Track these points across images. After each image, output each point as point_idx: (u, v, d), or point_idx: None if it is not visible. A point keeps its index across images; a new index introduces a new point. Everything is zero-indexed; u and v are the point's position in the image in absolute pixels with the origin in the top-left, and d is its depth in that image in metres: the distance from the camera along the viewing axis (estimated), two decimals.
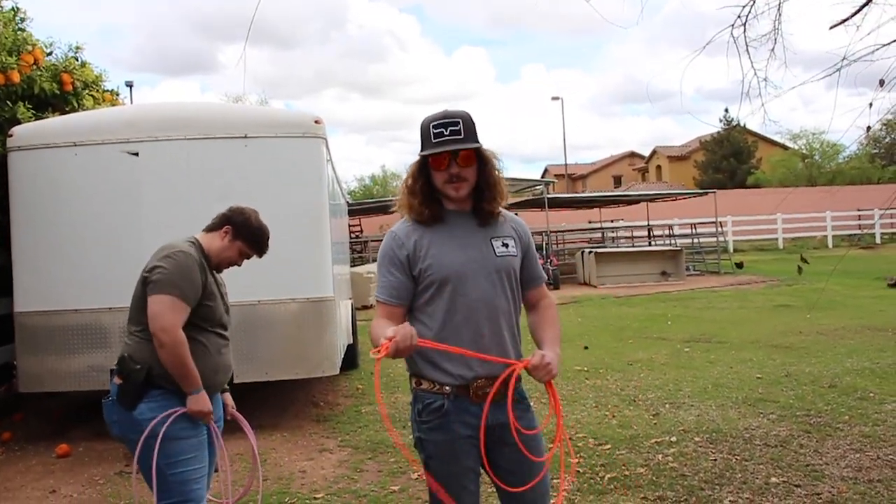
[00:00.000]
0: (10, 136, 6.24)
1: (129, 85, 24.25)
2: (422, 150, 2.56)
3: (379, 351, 2.22)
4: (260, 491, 3.73)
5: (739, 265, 21.49)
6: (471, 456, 2.54)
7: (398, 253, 2.56)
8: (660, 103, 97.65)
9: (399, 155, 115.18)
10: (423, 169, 2.58)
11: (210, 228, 3.44)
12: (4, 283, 6.70)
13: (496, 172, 2.62)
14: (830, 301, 13.04)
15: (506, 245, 2.64)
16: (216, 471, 5.33)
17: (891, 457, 4.94)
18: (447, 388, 2.51)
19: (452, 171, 2.52)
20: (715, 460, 5.02)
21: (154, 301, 3.08)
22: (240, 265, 3.48)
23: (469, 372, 2.50)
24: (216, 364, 3.28)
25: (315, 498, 4.75)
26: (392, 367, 8.84)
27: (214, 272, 3.40)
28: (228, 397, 3.58)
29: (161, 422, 3.04)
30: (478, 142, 2.54)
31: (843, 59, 4.30)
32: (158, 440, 3.02)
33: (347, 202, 15.10)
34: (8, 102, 6.83)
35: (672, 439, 5.52)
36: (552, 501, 2.74)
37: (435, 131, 2.50)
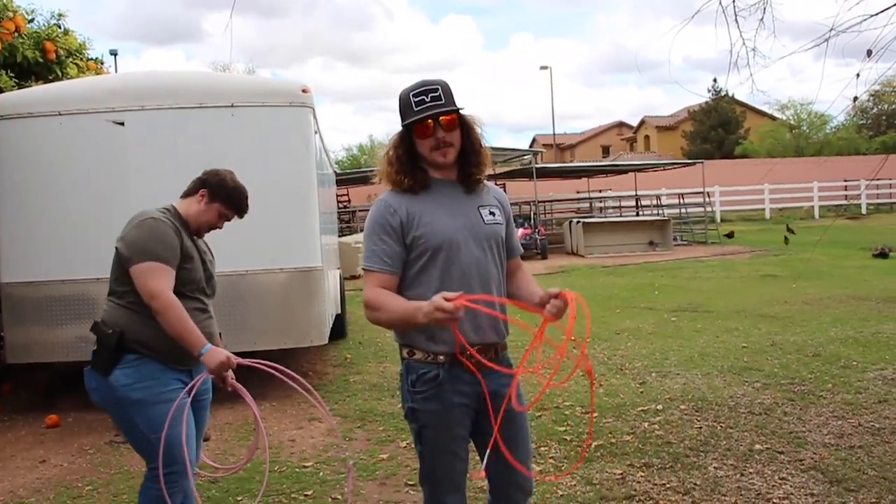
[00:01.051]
0: None
1: (114, 53, 23.97)
2: (404, 120, 2.55)
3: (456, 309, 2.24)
4: (266, 459, 3.71)
5: (730, 235, 21.59)
6: (463, 424, 2.57)
7: (390, 220, 2.52)
8: (648, 73, 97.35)
9: (386, 125, 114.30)
10: (406, 138, 2.57)
11: (186, 194, 3.37)
12: None
13: (480, 138, 2.62)
14: (816, 271, 13.16)
15: (492, 213, 2.64)
16: (206, 440, 5.36)
17: (872, 423, 5.02)
18: (441, 357, 2.51)
19: (438, 135, 2.50)
20: (700, 428, 5.09)
21: (134, 273, 3.03)
22: (221, 227, 3.42)
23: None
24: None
25: (304, 466, 4.79)
26: (380, 337, 8.88)
27: (195, 238, 3.34)
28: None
29: (136, 388, 3.01)
30: (459, 107, 2.54)
31: (832, 29, 4.29)
32: (134, 404, 3.01)
33: (335, 172, 15.03)
34: None
35: (658, 407, 5.59)
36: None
37: (416, 99, 2.50)
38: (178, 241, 3.13)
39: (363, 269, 2.59)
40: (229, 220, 3.42)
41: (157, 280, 3.00)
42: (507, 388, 2.53)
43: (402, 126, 2.57)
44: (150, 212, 3.18)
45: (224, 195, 3.34)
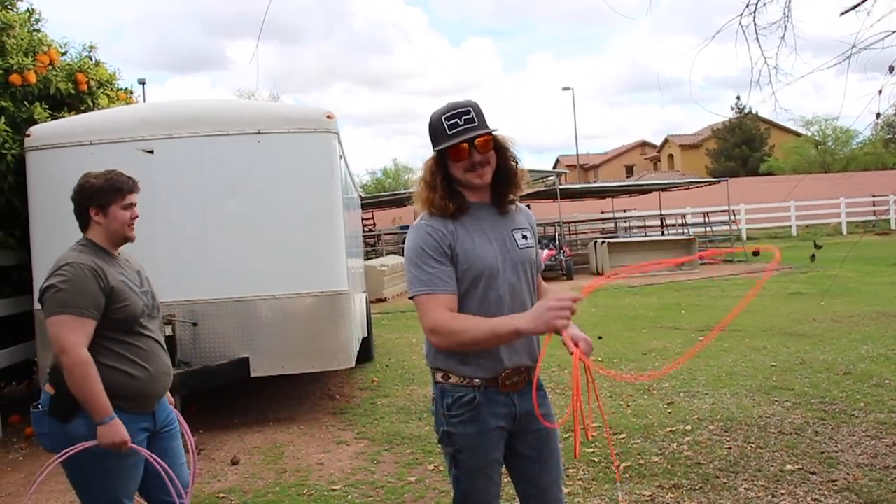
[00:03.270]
0: (28, 136, 6.32)
1: (142, 83, 24.46)
2: (438, 145, 2.53)
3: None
4: (190, 488, 3.32)
5: (756, 253, 21.38)
6: (498, 448, 2.57)
7: (442, 243, 2.47)
8: (668, 91, 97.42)
9: (408, 147, 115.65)
10: (441, 162, 2.55)
11: (84, 226, 3.08)
12: (23, 281, 6.81)
13: (514, 158, 2.62)
14: (845, 287, 12.99)
15: (525, 237, 2.65)
16: (235, 463, 5.40)
17: None
18: (477, 380, 2.51)
19: (475, 159, 2.49)
20: (730, 448, 5.05)
21: (49, 324, 2.83)
22: (137, 216, 3.12)
23: (500, 365, 2.51)
24: (151, 373, 3.00)
25: (333, 489, 4.80)
26: (407, 360, 8.90)
27: (124, 264, 3.11)
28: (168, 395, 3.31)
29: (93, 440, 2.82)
30: (493, 128, 2.53)
31: (853, 46, 4.29)
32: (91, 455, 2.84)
33: (360, 196, 15.15)
34: (25, 103, 6.90)
35: (687, 428, 5.55)
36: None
37: (448, 122, 2.48)
38: (98, 284, 2.88)
39: (421, 293, 2.46)
40: (135, 205, 3.12)
41: (70, 334, 2.79)
42: (542, 409, 2.53)
43: (437, 151, 2.55)
44: (67, 256, 2.96)
45: (103, 195, 3.03)
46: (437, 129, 2.54)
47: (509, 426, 2.56)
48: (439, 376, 2.58)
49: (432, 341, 2.47)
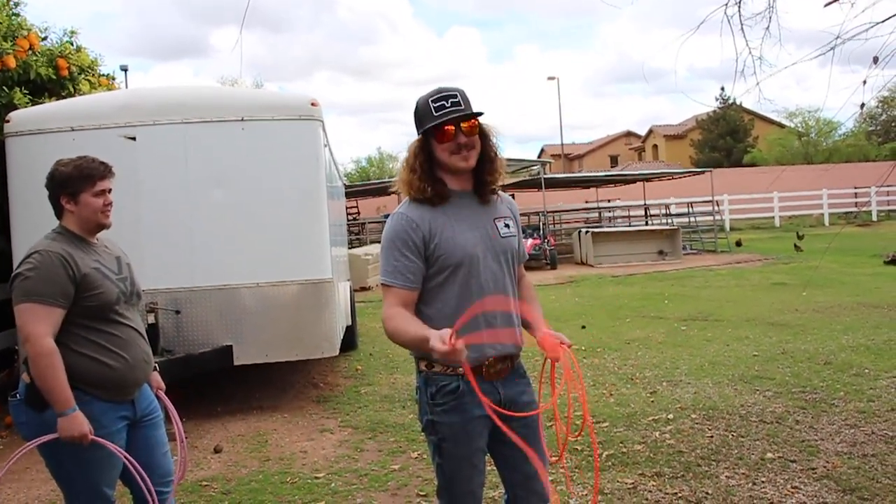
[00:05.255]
0: (8, 121, 6.24)
1: (125, 69, 24.04)
2: (423, 126, 2.53)
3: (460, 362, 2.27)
4: (179, 476, 3.40)
5: (738, 244, 21.56)
6: (482, 436, 2.57)
7: (412, 235, 2.49)
8: (653, 82, 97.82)
9: (392, 137, 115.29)
10: (425, 146, 2.55)
11: (58, 214, 3.03)
12: (4, 269, 6.73)
13: (495, 147, 2.63)
14: (826, 278, 13.11)
15: (507, 226, 2.65)
16: (218, 451, 5.39)
17: (885, 431, 5.00)
18: (461, 369, 2.49)
19: (460, 140, 2.49)
20: (711, 437, 5.09)
21: (17, 312, 2.79)
22: (110, 202, 3.03)
23: (483, 353, 2.51)
24: (128, 361, 2.96)
25: (316, 477, 4.80)
26: (390, 349, 8.90)
27: (100, 252, 3.05)
28: (156, 376, 3.29)
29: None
30: (480, 111, 2.54)
31: (838, 37, 4.31)
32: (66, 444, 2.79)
33: (344, 184, 15.10)
34: (4, 88, 6.82)
35: (669, 416, 5.58)
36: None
37: (435, 105, 2.49)
38: (67, 272, 2.82)
39: (382, 283, 2.55)
40: (108, 190, 3.04)
41: (34, 324, 2.75)
42: (524, 396, 2.57)
43: (422, 132, 2.55)
44: (39, 244, 2.90)
45: (74, 182, 2.96)
46: (423, 112, 2.54)
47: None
48: (423, 365, 2.58)
49: (384, 329, 2.52)
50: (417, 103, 2.57)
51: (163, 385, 3.34)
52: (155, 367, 3.27)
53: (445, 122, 2.48)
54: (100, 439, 2.83)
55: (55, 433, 2.78)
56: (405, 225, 2.51)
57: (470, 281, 2.52)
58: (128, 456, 2.93)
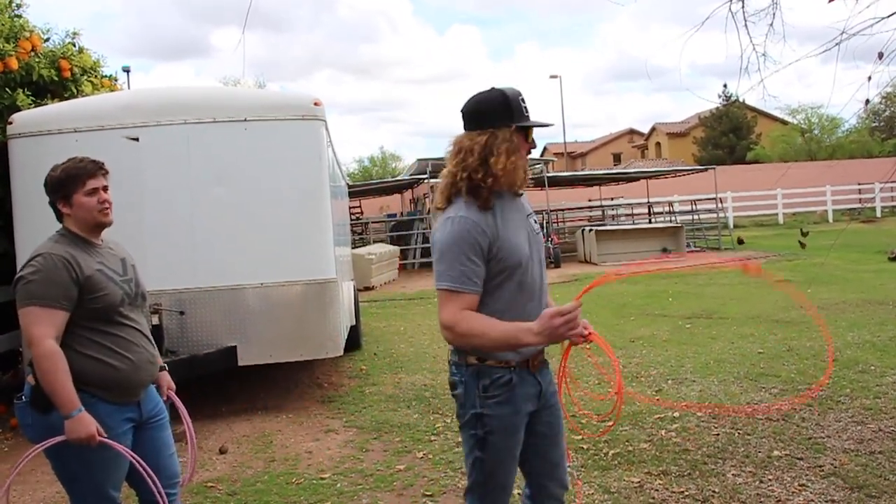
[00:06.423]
0: (10, 123, 6.23)
1: (127, 70, 23.99)
2: (516, 121, 2.48)
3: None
4: (187, 478, 3.40)
5: (740, 241, 21.51)
6: (524, 427, 2.59)
7: (480, 240, 2.42)
8: (655, 80, 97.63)
9: (393, 136, 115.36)
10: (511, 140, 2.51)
11: (59, 218, 3.03)
12: (8, 271, 6.73)
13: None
14: (831, 275, 13.07)
15: (536, 222, 2.69)
16: (223, 452, 5.39)
17: (892, 428, 4.98)
18: (512, 362, 2.51)
19: (532, 146, 2.56)
20: (717, 435, 5.07)
21: (20, 315, 2.80)
22: (109, 200, 3.02)
23: (531, 346, 2.48)
24: (133, 363, 2.96)
25: (322, 478, 4.80)
26: (395, 348, 8.90)
27: (103, 254, 3.03)
28: (165, 377, 3.29)
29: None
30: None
31: (842, 32, 4.29)
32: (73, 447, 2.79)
33: (347, 184, 15.10)
34: (7, 90, 6.81)
35: (675, 415, 5.57)
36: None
37: (524, 105, 2.50)
38: (70, 274, 2.82)
39: (446, 288, 2.43)
40: (106, 189, 3.03)
41: (38, 326, 2.76)
42: (552, 386, 2.65)
43: (517, 126, 2.49)
44: (42, 246, 2.91)
45: (64, 185, 2.96)
46: (515, 107, 2.50)
47: (534, 405, 2.60)
48: (473, 358, 2.52)
49: (444, 335, 2.45)
50: (508, 94, 2.50)
51: (173, 385, 3.33)
52: (163, 367, 3.27)
53: (538, 125, 2.52)
54: (108, 440, 2.82)
55: (61, 435, 2.77)
56: (471, 228, 2.43)
57: (524, 279, 2.52)
58: (137, 458, 2.92)
